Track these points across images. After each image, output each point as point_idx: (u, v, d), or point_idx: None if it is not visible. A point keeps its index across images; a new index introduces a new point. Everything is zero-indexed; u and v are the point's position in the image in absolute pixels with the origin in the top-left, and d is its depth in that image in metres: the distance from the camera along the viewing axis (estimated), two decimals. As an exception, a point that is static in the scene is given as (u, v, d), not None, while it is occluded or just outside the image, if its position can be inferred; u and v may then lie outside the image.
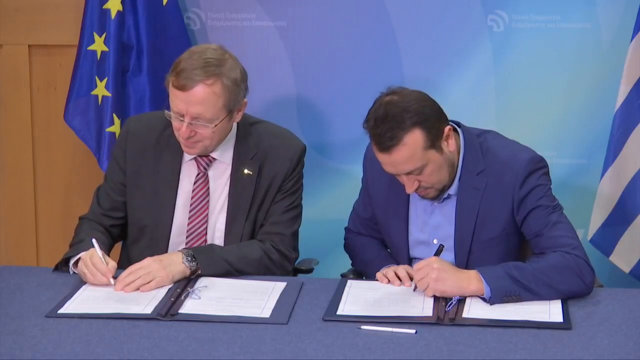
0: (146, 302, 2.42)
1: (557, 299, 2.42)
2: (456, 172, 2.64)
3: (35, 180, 3.91)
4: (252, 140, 2.79)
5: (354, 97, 3.62)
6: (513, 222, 2.64)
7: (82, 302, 2.44)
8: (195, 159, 2.77)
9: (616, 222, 3.43)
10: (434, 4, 3.57)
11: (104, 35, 3.56)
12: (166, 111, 2.68)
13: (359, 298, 2.46)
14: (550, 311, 2.35)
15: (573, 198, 3.48)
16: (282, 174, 2.78)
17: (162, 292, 2.50)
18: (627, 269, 3.44)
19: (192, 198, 2.78)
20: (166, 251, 2.77)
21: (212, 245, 2.72)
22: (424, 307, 2.38)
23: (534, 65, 3.55)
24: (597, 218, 3.47)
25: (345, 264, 2.96)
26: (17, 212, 3.94)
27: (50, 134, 3.86)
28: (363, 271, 2.86)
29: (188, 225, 2.78)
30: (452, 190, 2.65)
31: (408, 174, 2.54)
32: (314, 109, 3.71)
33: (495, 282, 2.41)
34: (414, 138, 2.48)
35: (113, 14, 3.55)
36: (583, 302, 2.43)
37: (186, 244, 2.78)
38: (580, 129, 3.56)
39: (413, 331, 2.24)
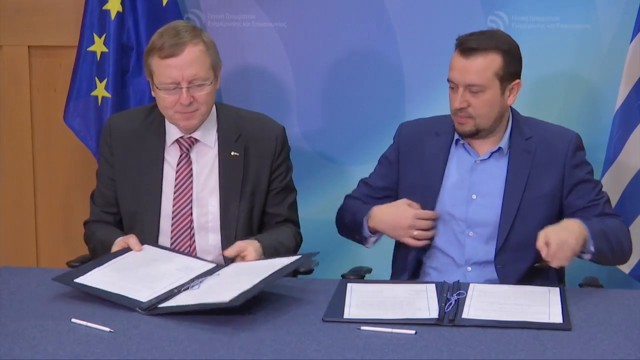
0: (150, 292, 2.42)
1: (616, 263, 2.79)
2: (506, 128, 2.78)
3: (35, 180, 3.92)
4: (233, 123, 2.85)
5: (354, 98, 3.63)
6: (559, 188, 2.76)
7: (91, 277, 2.48)
8: (177, 141, 2.81)
9: (616, 223, 3.42)
10: (434, 4, 3.57)
11: (103, 36, 3.56)
12: (157, 89, 2.71)
13: (363, 301, 2.45)
14: (550, 312, 2.35)
15: (573, 198, 3.47)
16: (270, 154, 2.84)
17: (167, 284, 2.48)
18: (627, 269, 3.44)
19: (175, 179, 2.81)
20: (157, 235, 2.80)
21: None
22: (430, 309, 2.37)
23: (533, 66, 3.53)
24: (597, 218, 3.46)
25: (345, 264, 2.96)
26: (17, 212, 3.95)
27: (50, 135, 3.87)
28: (353, 225, 2.85)
29: (173, 206, 2.80)
30: (503, 143, 2.76)
31: (468, 86, 2.66)
32: (314, 110, 3.71)
33: (598, 243, 2.60)
34: (493, 58, 2.68)
35: (113, 15, 3.56)
36: (583, 303, 2.43)
37: (172, 226, 2.80)
38: (580, 129, 3.55)
39: (413, 332, 2.24)
